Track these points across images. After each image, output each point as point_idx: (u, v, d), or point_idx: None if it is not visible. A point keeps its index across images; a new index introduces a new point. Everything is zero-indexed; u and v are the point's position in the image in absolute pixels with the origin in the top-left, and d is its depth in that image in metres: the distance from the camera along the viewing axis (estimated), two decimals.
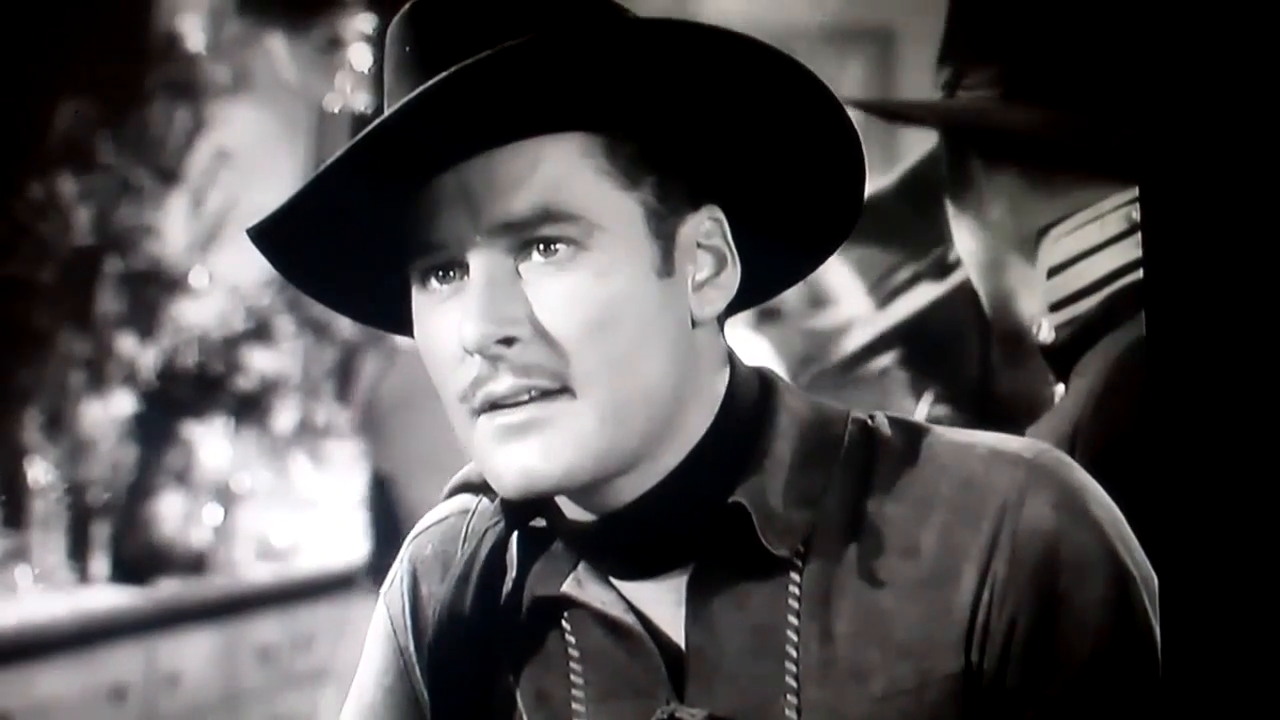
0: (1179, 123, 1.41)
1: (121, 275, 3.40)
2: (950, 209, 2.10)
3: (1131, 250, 2.01)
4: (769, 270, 1.52)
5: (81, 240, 3.40)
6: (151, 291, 3.39)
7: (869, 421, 1.50)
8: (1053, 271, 2.02)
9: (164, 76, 3.48)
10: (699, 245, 1.45)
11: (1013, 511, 1.42)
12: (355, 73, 3.67)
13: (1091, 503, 1.44)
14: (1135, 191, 2.00)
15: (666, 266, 1.43)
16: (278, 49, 3.62)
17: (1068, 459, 1.47)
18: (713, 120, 1.43)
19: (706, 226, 1.46)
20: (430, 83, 1.35)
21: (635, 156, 1.42)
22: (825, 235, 1.53)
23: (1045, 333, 2.04)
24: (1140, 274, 1.98)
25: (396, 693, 1.59)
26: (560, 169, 1.39)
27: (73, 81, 3.37)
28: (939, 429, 1.49)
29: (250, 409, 3.76)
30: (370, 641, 1.62)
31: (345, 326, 3.80)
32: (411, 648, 1.58)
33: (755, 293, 1.51)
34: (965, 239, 2.10)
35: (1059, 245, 2.02)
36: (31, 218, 3.32)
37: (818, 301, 3.66)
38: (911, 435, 1.48)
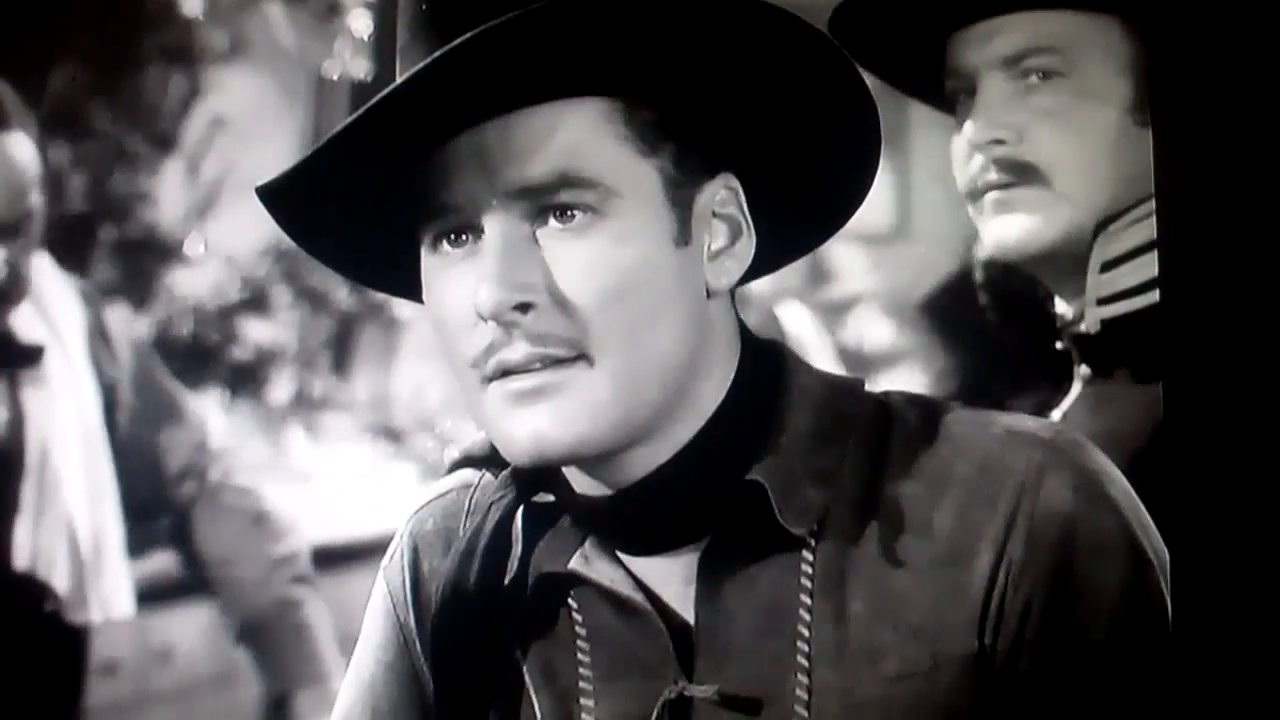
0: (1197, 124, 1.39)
1: (116, 243, 3.39)
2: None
3: None
4: (779, 241, 1.51)
5: (75, 207, 3.38)
6: (146, 260, 3.37)
7: (884, 398, 1.49)
8: (1106, 266, 1.99)
9: (159, 42, 3.46)
10: (714, 214, 1.45)
11: (1030, 492, 1.41)
12: (354, 39, 3.65)
13: (1109, 485, 1.43)
14: None
15: (683, 235, 1.42)
16: (275, 15, 3.60)
17: (1085, 440, 1.46)
18: (730, 86, 1.42)
19: (722, 195, 1.45)
20: (450, 45, 1.33)
21: (654, 123, 1.41)
22: (838, 205, 1.52)
23: (1089, 324, 2.01)
24: None
25: (396, 668, 1.58)
26: (579, 134, 1.38)
27: (66, 47, 3.36)
28: (955, 407, 1.48)
29: (245, 380, 3.76)
30: (370, 617, 1.62)
31: (342, 298, 3.79)
32: (412, 623, 1.58)
33: (764, 264, 1.50)
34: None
35: (1117, 240, 1.99)
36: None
37: (820, 276, 3.65)
38: (927, 413, 1.47)
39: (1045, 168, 1.99)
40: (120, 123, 3.42)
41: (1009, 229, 2.02)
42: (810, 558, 1.42)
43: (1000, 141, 2.00)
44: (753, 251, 1.46)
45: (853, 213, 1.52)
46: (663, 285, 1.40)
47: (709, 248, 1.44)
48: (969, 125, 2.00)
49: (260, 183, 1.42)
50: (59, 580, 3.14)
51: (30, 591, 3.10)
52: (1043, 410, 2.13)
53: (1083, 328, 2.01)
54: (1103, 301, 2.00)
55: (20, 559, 3.11)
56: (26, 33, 3.35)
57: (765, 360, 1.48)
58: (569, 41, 1.36)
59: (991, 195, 2.01)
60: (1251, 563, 1.36)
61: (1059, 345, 2.08)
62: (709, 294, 1.44)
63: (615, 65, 1.39)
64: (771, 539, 1.42)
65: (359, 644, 1.61)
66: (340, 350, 3.71)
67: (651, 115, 1.41)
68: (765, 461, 1.42)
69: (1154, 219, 1.98)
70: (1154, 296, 1.98)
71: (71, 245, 3.29)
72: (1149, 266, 1.98)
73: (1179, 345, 1.37)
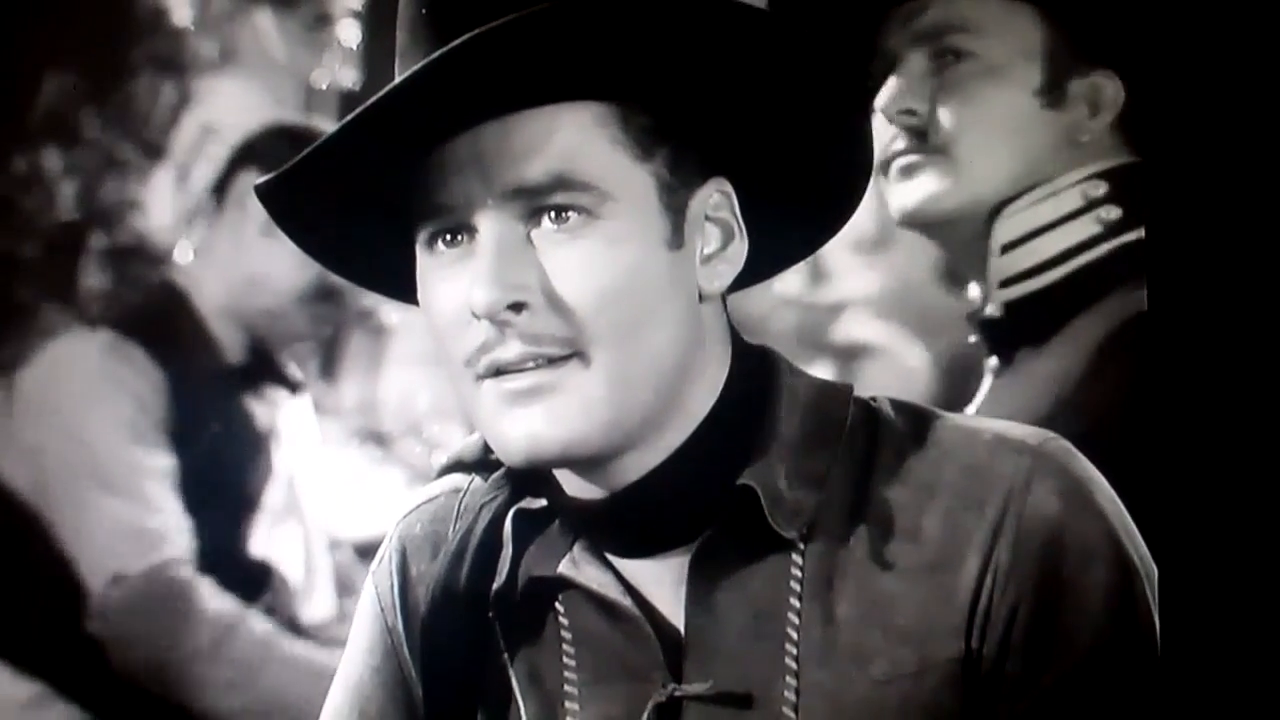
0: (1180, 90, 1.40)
1: (106, 250, 3.39)
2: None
3: (1088, 227, 2.01)
4: (772, 247, 1.51)
5: (66, 215, 3.39)
6: (136, 267, 3.38)
7: (871, 403, 1.49)
8: (1006, 248, 2.02)
9: (150, 51, 3.46)
10: (707, 218, 1.45)
11: (1018, 498, 1.41)
12: (343, 49, 3.66)
13: (1096, 492, 1.44)
14: (1092, 168, 2.02)
15: (676, 239, 1.42)
16: (265, 24, 3.60)
17: (1072, 448, 1.47)
18: (725, 92, 1.43)
19: (715, 199, 1.45)
20: (448, 48, 1.34)
21: (649, 128, 1.41)
22: (831, 212, 1.52)
23: (993, 308, 2.04)
24: (1095, 254, 2.01)
25: (384, 671, 1.58)
26: (575, 137, 1.39)
27: (58, 55, 3.36)
28: (943, 413, 1.49)
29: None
30: (358, 620, 1.61)
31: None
32: (400, 627, 1.57)
33: (757, 270, 1.50)
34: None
35: (1013, 221, 2.02)
36: (15, 192, 3.31)
37: (816, 278, 3.65)
38: (915, 419, 1.47)
39: (949, 141, 2.03)
40: (111, 131, 3.43)
41: (910, 195, 2.06)
42: (800, 561, 1.43)
43: (910, 112, 2.04)
44: (745, 255, 1.46)
45: (846, 219, 1.53)
46: (656, 287, 1.40)
47: (702, 251, 1.44)
48: (882, 95, 2.04)
49: (257, 181, 1.43)
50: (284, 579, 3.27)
51: (259, 578, 3.21)
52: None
53: (988, 311, 2.04)
54: (1004, 284, 2.03)
55: (256, 549, 3.23)
56: (18, 41, 3.35)
57: (756, 364, 1.48)
58: (565, 46, 1.36)
59: (898, 162, 2.05)
60: (1237, 563, 1.36)
61: (970, 339, 2.11)
62: (701, 297, 1.44)
63: (611, 70, 1.39)
64: (762, 542, 1.42)
65: (347, 647, 1.61)
66: (328, 356, 3.72)
67: (647, 120, 1.41)
68: (756, 465, 1.42)
69: (1055, 199, 2.01)
70: (1051, 276, 2.02)
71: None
72: (1049, 246, 2.01)
73: (1163, 349, 1.38)
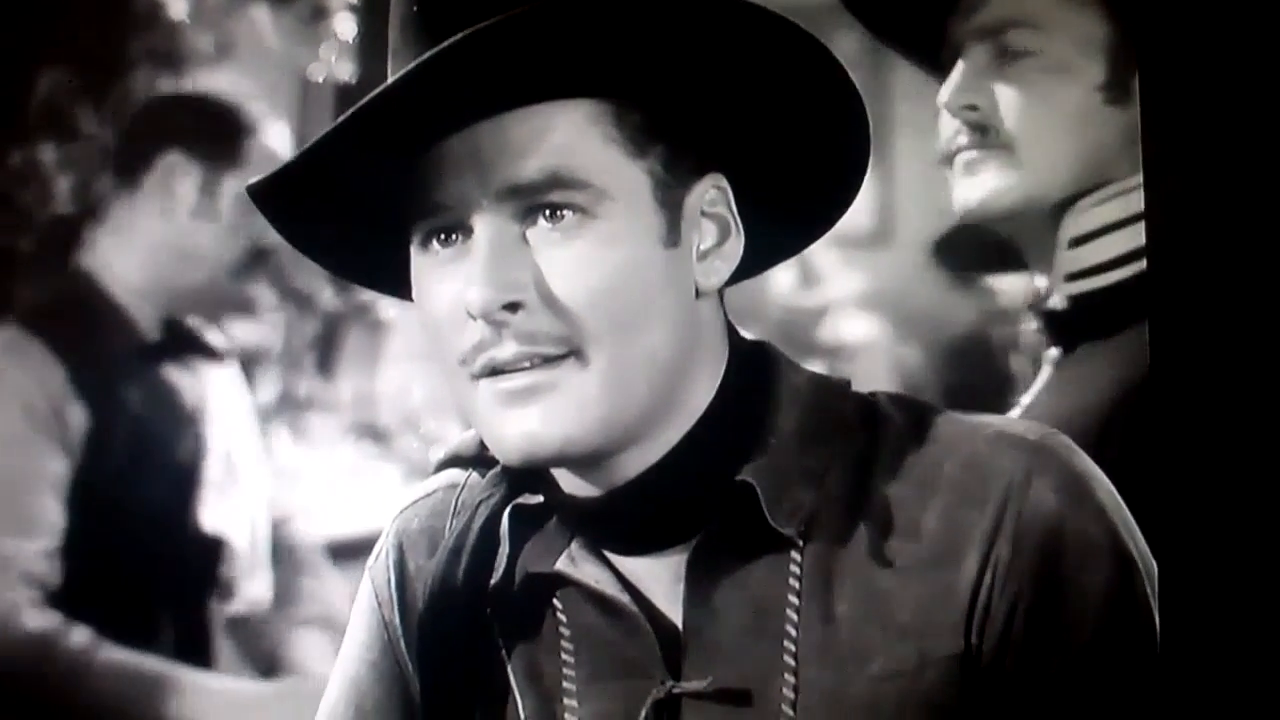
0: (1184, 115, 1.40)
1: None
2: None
3: None
4: (767, 242, 1.51)
5: (62, 209, 3.38)
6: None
7: (871, 398, 1.49)
8: (1075, 242, 2.03)
9: (146, 45, 3.46)
10: (703, 214, 1.45)
11: (1017, 494, 1.41)
12: (340, 42, 3.65)
13: (1096, 488, 1.44)
14: None
15: (672, 236, 1.42)
16: (261, 18, 3.60)
17: (1072, 443, 1.46)
18: (719, 87, 1.43)
19: (711, 195, 1.45)
20: (440, 47, 1.34)
21: (643, 125, 1.41)
22: (826, 207, 1.52)
23: (1058, 300, 2.04)
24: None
25: (380, 667, 1.58)
26: (570, 135, 1.39)
27: (53, 50, 3.36)
28: (943, 409, 1.48)
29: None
30: (355, 616, 1.62)
31: (328, 298, 3.79)
32: (398, 622, 1.57)
33: (751, 266, 1.50)
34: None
35: (1084, 216, 2.02)
36: (11, 186, 3.31)
37: (803, 280, 3.65)
38: (914, 414, 1.47)
39: (1012, 136, 2.04)
40: (107, 125, 3.42)
41: (973, 190, 2.08)
42: (798, 558, 1.42)
43: (973, 108, 2.05)
44: (741, 251, 1.46)
45: (841, 215, 1.53)
46: (652, 285, 1.40)
47: (698, 248, 1.44)
48: (945, 90, 2.04)
49: (249, 182, 1.43)
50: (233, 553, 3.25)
51: (208, 553, 3.21)
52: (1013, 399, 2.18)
53: (1052, 303, 2.04)
54: (1071, 277, 2.03)
55: (202, 523, 3.22)
56: (13, 36, 3.35)
57: (753, 361, 1.48)
58: (558, 44, 1.36)
59: (961, 158, 2.06)
60: (1239, 561, 1.36)
61: (1032, 326, 2.11)
62: (698, 294, 1.44)
63: (604, 67, 1.39)
64: (760, 539, 1.42)
65: (344, 643, 1.61)
66: (325, 351, 3.71)
67: (640, 117, 1.41)
68: (754, 462, 1.42)
69: (1125, 198, 2.01)
70: (1122, 273, 2.02)
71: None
72: (1118, 243, 2.01)
73: (1164, 335, 1.38)
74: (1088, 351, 2.03)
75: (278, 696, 3.11)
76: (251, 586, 3.30)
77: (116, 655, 3.07)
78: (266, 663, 3.30)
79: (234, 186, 3.16)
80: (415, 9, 1.40)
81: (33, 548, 3.04)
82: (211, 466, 3.26)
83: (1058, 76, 2.03)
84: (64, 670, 3.05)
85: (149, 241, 3.23)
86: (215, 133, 3.20)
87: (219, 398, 3.31)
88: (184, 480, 3.20)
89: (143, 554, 3.13)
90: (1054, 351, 2.08)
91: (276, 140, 3.31)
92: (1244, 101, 1.36)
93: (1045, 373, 2.09)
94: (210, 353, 3.32)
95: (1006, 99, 2.04)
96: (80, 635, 3.04)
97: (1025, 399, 2.07)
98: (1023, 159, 2.04)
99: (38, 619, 3.06)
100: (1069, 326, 2.05)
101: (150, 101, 3.29)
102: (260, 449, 3.40)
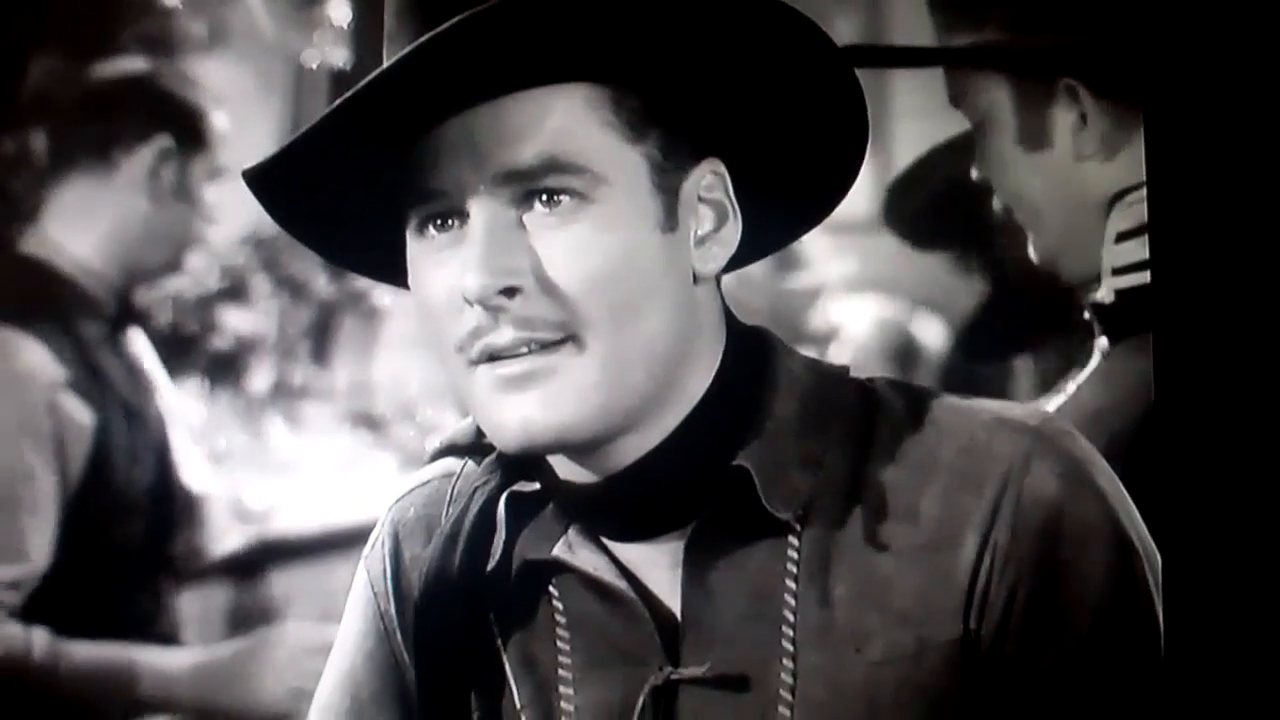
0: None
1: None
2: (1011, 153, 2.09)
3: None
4: (765, 228, 1.50)
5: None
6: None
7: (868, 384, 1.49)
8: (1122, 236, 2.02)
9: (139, 32, 3.45)
10: (700, 199, 1.44)
11: (1016, 479, 1.41)
12: (334, 28, 3.65)
13: (1096, 473, 1.44)
14: None
15: (670, 221, 1.42)
16: (255, 4, 3.60)
17: (1071, 428, 1.46)
18: (717, 72, 1.42)
19: (708, 180, 1.44)
20: (435, 31, 1.33)
21: (640, 109, 1.41)
22: (824, 193, 1.52)
23: (1105, 293, 2.04)
24: None
25: (376, 657, 1.58)
26: (566, 120, 1.38)
27: (45, 36, 3.35)
28: (941, 394, 1.48)
29: (225, 369, 3.76)
30: (350, 605, 1.61)
31: (322, 286, 3.79)
32: (393, 611, 1.57)
33: (749, 251, 1.49)
34: (1028, 182, 2.09)
35: (1130, 211, 2.02)
36: (4, 173, 3.30)
37: (789, 264, 3.65)
38: (913, 399, 1.46)
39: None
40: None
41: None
42: (796, 543, 1.42)
43: None
44: (739, 236, 1.45)
45: (839, 200, 1.52)
46: (649, 270, 1.40)
47: (695, 233, 1.44)
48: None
49: (245, 168, 1.42)
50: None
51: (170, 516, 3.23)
52: (1057, 381, 2.18)
53: (1100, 296, 2.04)
54: (1118, 272, 2.03)
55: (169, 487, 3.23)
56: (4, 23, 3.34)
57: (751, 346, 1.47)
58: (555, 28, 1.36)
59: None
60: (1245, 557, 1.35)
61: (1084, 315, 2.11)
62: (695, 279, 1.44)
63: (601, 52, 1.38)
64: (757, 524, 1.42)
65: (340, 633, 1.61)
66: (320, 339, 3.72)
67: (638, 102, 1.40)
68: (751, 447, 1.42)
69: None
70: None
71: None
72: None
73: (1170, 336, 1.37)
74: (1135, 345, 2.03)
75: (250, 654, 3.10)
76: (223, 543, 3.30)
77: (80, 651, 3.06)
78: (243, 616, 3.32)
79: (205, 168, 3.14)
80: None
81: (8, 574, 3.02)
82: (173, 433, 3.25)
83: None
84: (33, 681, 3.04)
85: (115, 224, 3.17)
86: (183, 114, 3.18)
87: (150, 363, 3.27)
88: (153, 449, 3.19)
89: (123, 527, 3.13)
90: (1103, 341, 2.09)
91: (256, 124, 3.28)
92: (1248, 106, 1.35)
93: (1094, 361, 2.10)
94: (140, 319, 3.28)
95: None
96: (40, 639, 3.03)
97: (1072, 384, 2.08)
98: None
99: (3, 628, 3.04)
100: (1116, 320, 2.05)
101: (119, 82, 3.25)
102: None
